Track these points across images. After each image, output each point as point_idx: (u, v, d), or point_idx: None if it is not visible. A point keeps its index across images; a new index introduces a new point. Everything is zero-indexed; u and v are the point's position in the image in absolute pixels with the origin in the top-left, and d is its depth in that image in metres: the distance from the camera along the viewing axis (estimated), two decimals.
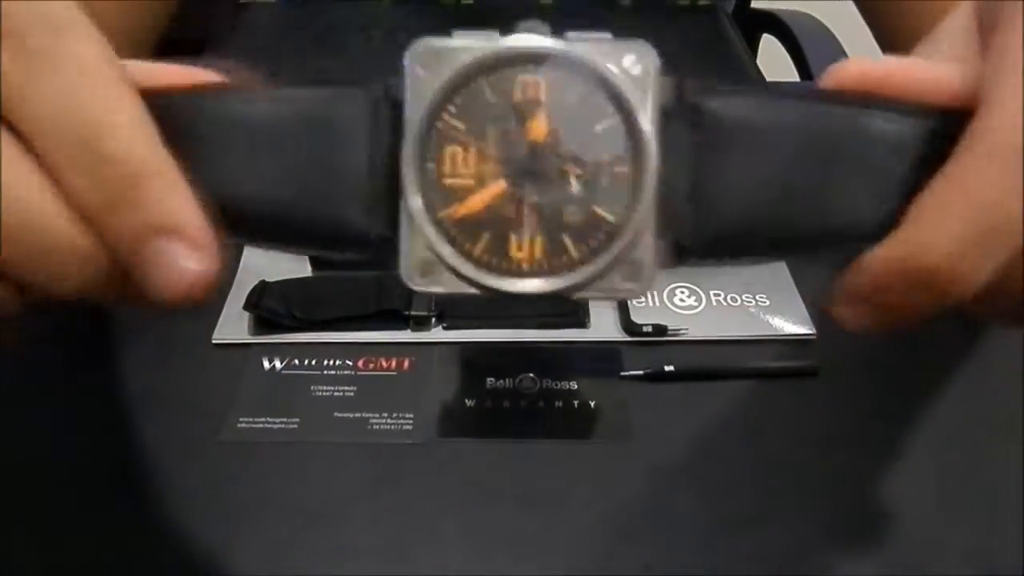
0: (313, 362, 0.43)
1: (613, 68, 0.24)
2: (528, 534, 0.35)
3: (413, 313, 0.44)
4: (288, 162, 0.25)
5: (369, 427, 0.39)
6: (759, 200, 0.24)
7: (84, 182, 0.21)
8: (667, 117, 0.24)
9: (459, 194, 0.24)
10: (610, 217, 0.24)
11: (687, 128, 0.24)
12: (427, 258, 0.24)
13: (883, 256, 0.23)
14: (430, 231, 0.24)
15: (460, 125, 0.24)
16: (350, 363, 0.43)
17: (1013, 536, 0.35)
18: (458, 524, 0.35)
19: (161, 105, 0.23)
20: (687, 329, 0.44)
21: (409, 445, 0.39)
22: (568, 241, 0.24)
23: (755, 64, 0.74)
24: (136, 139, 0.22)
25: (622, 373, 0.42)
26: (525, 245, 0.24)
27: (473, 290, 0.24)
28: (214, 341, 0.43)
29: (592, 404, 0.41)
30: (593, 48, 0.24)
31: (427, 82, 0.24)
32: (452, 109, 0.24)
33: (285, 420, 0.40)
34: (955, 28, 0.26)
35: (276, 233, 0.25)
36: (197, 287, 0.22)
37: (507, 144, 0.24)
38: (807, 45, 0.82)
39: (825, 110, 0.25)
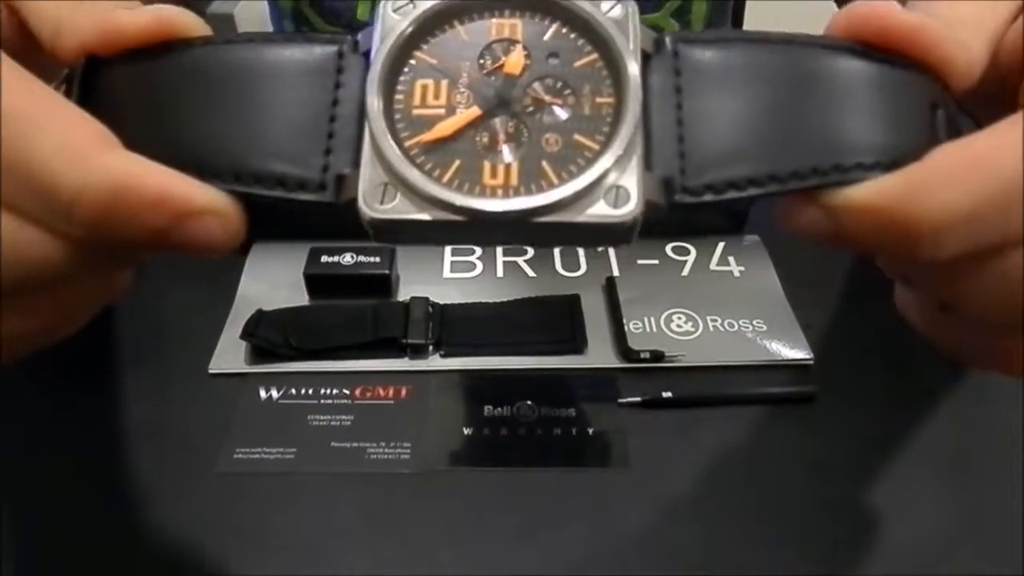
0: (310, 391, 0.43)
1: (592, 10, 0.24)
2: (526, 562, 0.35)
3: (410, 341, 0.44)
4: (253, 113, 0.24)
5: (366, 456, 0.39)
6: (745, 133, 0.23)
7: (70, 227, 0.21)
8: (647, 62, 0.24)
9: (429, 123, 0.23)
10: (592, 143, 0.23)
11: (668, 73, 0.24)
12: (389, 183, 0.22)
13: (869, 197, 0.22)
14: (393, 152, 0.22)
15: (432, 60, 0.24)
16: (347, 392, 0.43)
17: (1013, 562, 0.35)
18: (456, 553, 0.35)
19: (140, 70, 0.23)
20: (684, 355, 0.44)
21: (407, 474, 0.38)
22: (547, 166, 0.23)
23: None
24: (85, 161, 0.21)
25: (619, 400, 0.42)
26: (500, 171, 0.22)
27: (439, 213, 0.22)
28: (210, 371, 0.43)
29: (590, 431, 0.40)
30: None
31: (399, 22, 0.24)
32: (424, 47, 0.24)
33: (282, 450, 0.40)
34: None
35: (240, 178, 0.23)
36: (228, 238, 0.22)
37: (482, 77, 0.23)
38: None
39: (808, 51, 0.24)
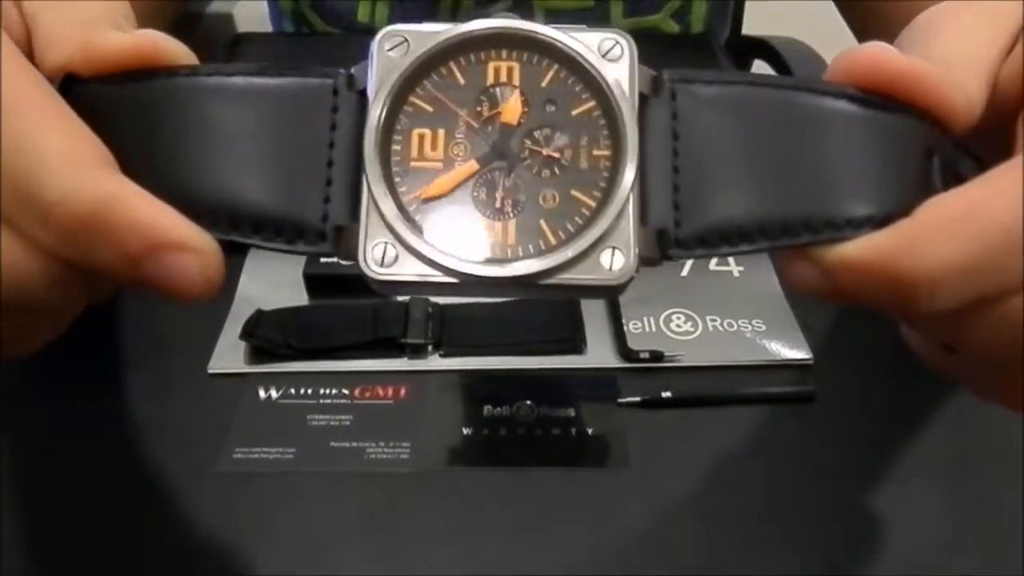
0: (309, 391, 0.43)
1: (589, 53, 0.23)
2: (526, 562, 0.35)
3: (410, 341, 0.44)
4: (247, 153, 0.23)
5: (366, 456, 0.39)
6: (739, 184, 0.23)
7: (45, 234, 0.20)
8: (644, 103, 0.23)
9: (426, 177, 0.23)
10: (589, 200, 0.22)
11: (666, 116, 0.23)
12: (389, 243, 0.22)
13: (861, 254, 0.22)
14: (391, 212, 0.22)
15: (428, 108, 0.23)
16: (346, 392, 0.43)
17: (1013, 563, 0.35)
18: (455, 553, 0.35)
19: (120, 94, 0.22)
20: (684, 355, 0.44)
21: (406, 474, 0.38)
22: (544, 225, 0.22)
23: None
24: (77, 173, 0.20)
25: (619, 400, 0.42)
26: (498, 231, 0.22)
27: (440, 276, 0.22)
28: (210, 371, 0.43)
29: (589, 431, 0.40)
30: (568, 32, 0.23)
31: (395, 63, 0.23)
32: (420, 92, 0.23)
33: (281, 450, 0.39)
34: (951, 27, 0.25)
35: (238, 226, 0.23)
36: (206, 283, 0.21)
37: (479, 127, 0.23)
38: (798, 71, 0.83)
39: (805, 98, 0.23)
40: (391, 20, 0.63)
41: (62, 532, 0.36)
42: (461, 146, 0.23)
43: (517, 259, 0.22)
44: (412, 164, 0.23)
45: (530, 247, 0.22)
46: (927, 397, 0.42)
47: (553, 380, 0.43)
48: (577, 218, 0.22)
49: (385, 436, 0.40)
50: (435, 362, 0.44)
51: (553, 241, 0.22)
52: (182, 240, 0.21)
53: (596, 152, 0.23)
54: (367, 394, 0.43)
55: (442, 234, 0.22)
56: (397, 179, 0.23)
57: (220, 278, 0.22)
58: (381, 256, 0.22)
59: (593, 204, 0.22)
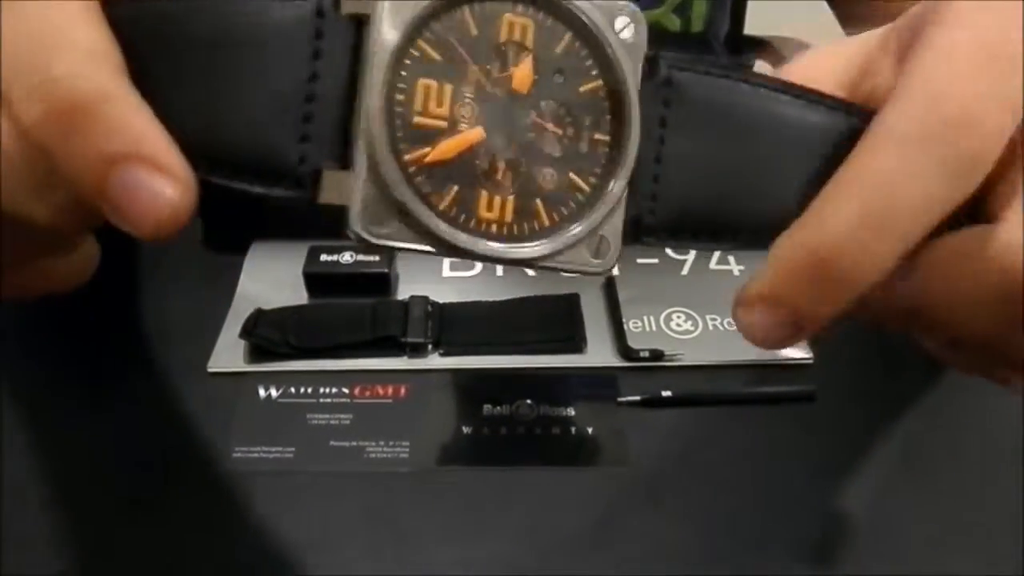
0: (309, 390, 0.43)
1: (605, 27, 0.22)
2: (525, 561, 0.35)
3: (409, 340, 0.44)
4: (225, 85, 0.21)
5: (365, 455, 0.39)
6: (714, 182, 0.23)
7: (33, 107, 0.20)
8: (646, 88, 0.23)
9: (429, 136, 0.21)
10: (585, 186, 0.22)
11: (657, 103, 0.23)
12: (383, 205, 0.21)
13: (786, 240, 0.22)
14: (394, 174, 0.21)
15: (437, 56, 0.21)
16: (346, 391, 0.42)
17: (1014, 562, 0.35)
18: (455, 552, 0.35)
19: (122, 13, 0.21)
20: (684, 354, 0.44)
21: (406, 473, 0.38)
22: (540, 206, 0.22)
23: None
24: (89, 62, 0.20)
25: (619, 399, 0.42)
26: (496, 205, 0.22)
27: (432, 247, 0.21)
28: (209, 370, 0.43)
29: (589, 430, 0.40)
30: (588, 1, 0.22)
31: (404, 3, 0.21)
32: (430, 36, 0.21)
33: (281, 449, 0.39)
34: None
35: (217, 167, 0.21)
36: (173, 215, 0.20)
37: (487, 88, 0.22)
38: None
39: (768, 95, 0.24)
40: None
41: (61, 531, 0.36)
42: (468, 107, 0.22)
43: (511, 239, 0.22)
44: (415, 120, 0.21)
45: (525, 227, 0.22)
46: (927, 397, 0.42)
47: (553, 379, 0.43)
48: (572, 202, 0.23)
49: (385, 435, 0.40)
50: (435, 361, 0.44)
51: (547, 223, 0.22)
52: (163, 160, 0.20)
53: (597, 136, 0.23)
54: (367, 393, 0.42)
55: (440, 202, 0.21)
56: (399, 134, 0.21)
57: (186, 216, 0.20)
58: (377, 219, 0.21)
59: (588, 190, 0.23)
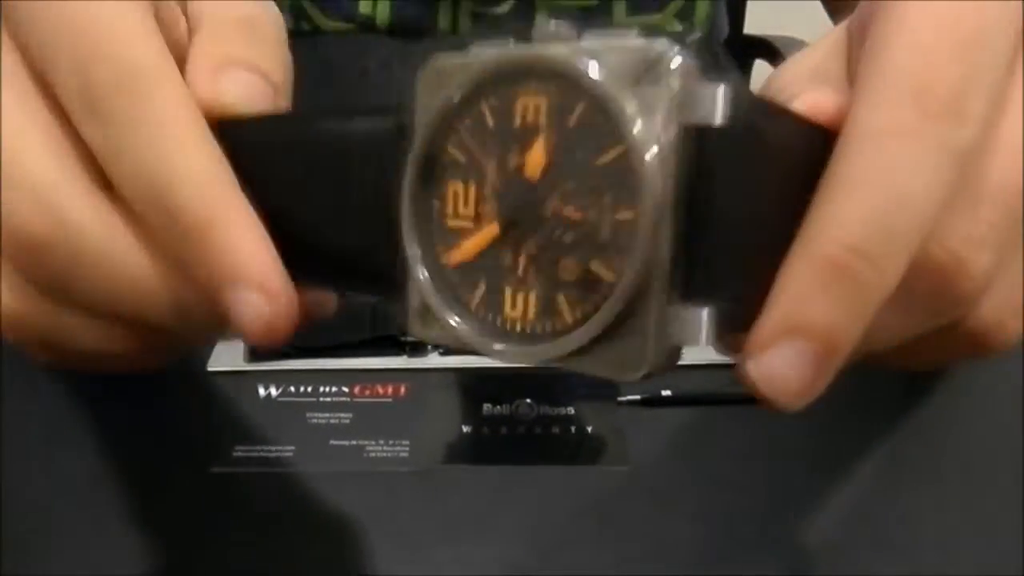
0: (308, 389, 0.43)
1: (619, 79, 0.19)
2: (525, 561, 0.35)
3: (409, 339, 0.44)
4: (326, 192, 0.23)
5: (365, 454, 0.39)
6: (769, 242, 0.20)
7: (164, 234, 0.22)
8: (708, 135, 0.18)
9: (460, 236, 0.21)
10: (609, 275, 0.19)
11: (736, 151, 0.19)
12: (423, 312, 0.22)
13: (794, 260, 0.20)
14: (423, 279, 0.22)
15: (461, 157, 0.21)
16: (346, 390, 0.42)
17: (1014, 562, 0.35)
18: (455, 551, 0.35)
19: (234, 133, 0.23)
20: (684, 353, 0.43)
21: (405, 472, 0.38)
22: (562, 301, 0.20)
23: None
24: (207, 189, 0.22)
25: (619, 398, 0.42)
26: (519, 302, 0.21)
27: (470, 348, 0.22)
28: (209, 369, 0.43)
29: (589, 429, 0.40)
30: (601, 54, 0.19)
31: (429, 106, 0.21)
32: (455, 138, 0.21)
33: (280, 448, 0.39)
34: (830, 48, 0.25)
35: (316, 270, 0.24)
36: (271, 331, 0.23)
37: (504, 180, 0.21)
38: None
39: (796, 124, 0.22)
40: (393, 15, 0.63)
41: (60, 530, 0.36)
42: (488, 204, 0.21)
43: (535, 339, 0.21)
44: (448, 223, 0.22)
45: (547, 325, 0.20)
46: (928, 396, 0.42)
47: (553, 378, 0.43)
48: (596, 296, 0.20)
49: (384, 434, 0.40)
50: (434, 360, 0.44)
51: (569, 320, 0.20)
52: (268, 283, 0.22)
53: (620, 216, 0.19)
54: (367, 392, 0.42)
55: (471, 302, 0.22)
56: (437, 237, 0.22)
57: (286, 330, 0.23)
58: (420, 317, 0.22)
59: (612, 280, 0.19)
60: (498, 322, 0.21)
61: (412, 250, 0.22)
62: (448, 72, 0.21)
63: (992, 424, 0.40)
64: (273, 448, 0.39)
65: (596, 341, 0.20)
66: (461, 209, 0.21)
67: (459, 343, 0.22)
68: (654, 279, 0.19)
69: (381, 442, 0.40)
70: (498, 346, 0.21)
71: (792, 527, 0.36)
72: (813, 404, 0.41)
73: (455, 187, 0.21)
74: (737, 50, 0.89)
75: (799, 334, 0.20)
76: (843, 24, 0.25)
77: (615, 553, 0.35)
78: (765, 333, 0.20)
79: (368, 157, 0.23)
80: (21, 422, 0.40)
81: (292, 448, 0.39)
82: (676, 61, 0.18)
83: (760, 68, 0.92)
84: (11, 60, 0.23)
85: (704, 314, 0.19)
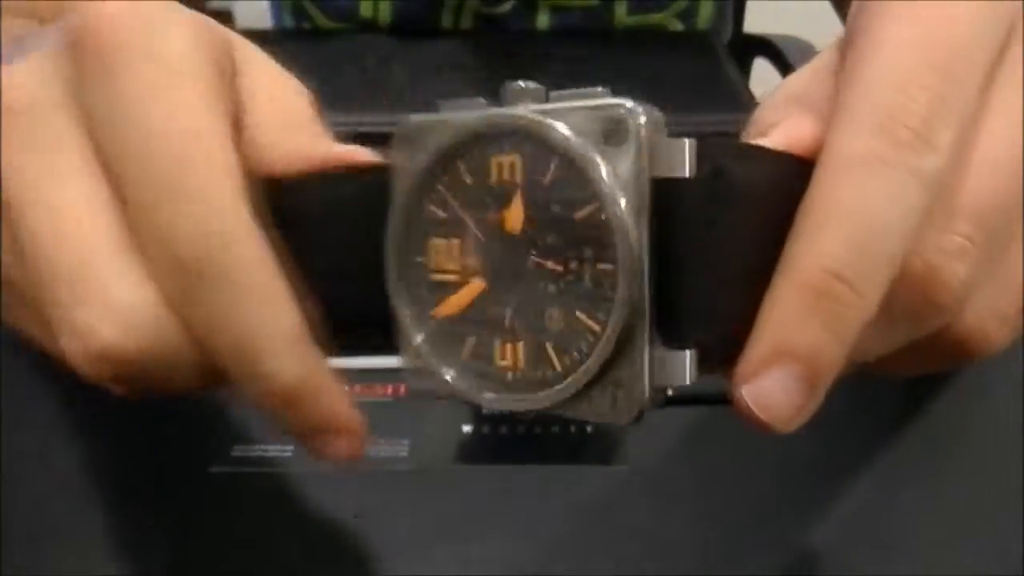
0: None
1: (578, 138, 0.20)
2: (526, 560, 0.35)
3: None
4: (332, 250, 0.24)
5: (365, 454, 0.39)
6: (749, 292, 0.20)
7: (253, 393, 0.23)
8: (673, 186, 0.19)
9: (447, 290, 0.22)
10: (593, 324, 0.20)
11: (702, 198, 0.20)
12: (418, 366, 0.23)
13: (778, 287, 0.20)
14: (413, 333, 0.22)
15: (441, 214, 0.22)
16: (345, 389, 0.42)
17: (1014, 562, 0.35)
18: (454, 551, 0.35)
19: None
20: None
21: (405, 472, 0.38)
22: (550, 350, 0.21)
23: (748, 88, 0.75)
24: (296, 358, 0.23)
25: None
26: (508, 353, 0.21)
27: (464, 399, 0.23)
28: None
29: (590, 428, 0.40)
30: (563, 112, 0.20)
31: (406, 167, 0.22)
32: (434, 196, 0.22)
33: (280, 447, 0.39)
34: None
35: (345, 340, 0.24)
36: (351, 458, 0.26)
37: (486, 235, 0.21)
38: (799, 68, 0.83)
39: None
40: (394, 16, 0.63)
41: (60, 529, 0.36)
42: (472, 258, 0.22)
43: (526, 389, 0.21)
44: (433, 277, 0.22)
45: (537, 374, 0.21)
46: (928, 397, 0.42)
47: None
48: (583, 344, 0.20)
49: (384, 433, 0.40)
50: None
51: (559, 368, 0.21)
52: (350, 429, 0.25)
53: (600, 266, 0.20)
54: (366, 391, 0.42)
55: (462, 353, 0.22)
56: (424, 292, 0.22)
57: (361, 453, 0.26)
58: (415, 370, 0.23)
59: (597, 329, 0.20)
60: (490, 372, 0.22)
61: (401, 308, 0.22)
62: (422, 132, 0.22)
63: (992, 424, 0.40)
64: (272, 448, 0.39)
65: (588, 387, 0.20)
66: (446, 264, 0.22)
67: (455, 395, 0.23)
68: (637, 327, 0.20)
69: (381, 441, 0.40)
70: (490, 395, 0.22)
71: (792, 527, 0.36)
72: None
73: (438, 243, 0.22)
74: (737, 49, 0.89)
75: (787, 358, 0.21)
76: (835, 43, 0.25)
77: (615, 553, 0.35)
78: (754, 360, 0.21)
79: (355, 219, 0.23)
80: (21, 422, 0.40)
81: (291, 448, 0.39)
82: (641, 119, 0.19)
83: (760, 67, 0.92)
84: (81, 158, 0.22)
85: (687, 356, 0.20)
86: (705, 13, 0.68)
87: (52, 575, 0.34)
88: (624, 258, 0.19)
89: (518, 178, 0.21)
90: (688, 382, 0.20)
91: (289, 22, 0.69)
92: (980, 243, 0.21)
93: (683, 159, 0.19)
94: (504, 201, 0.21)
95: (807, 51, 0.86)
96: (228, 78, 0.24)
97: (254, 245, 0.22)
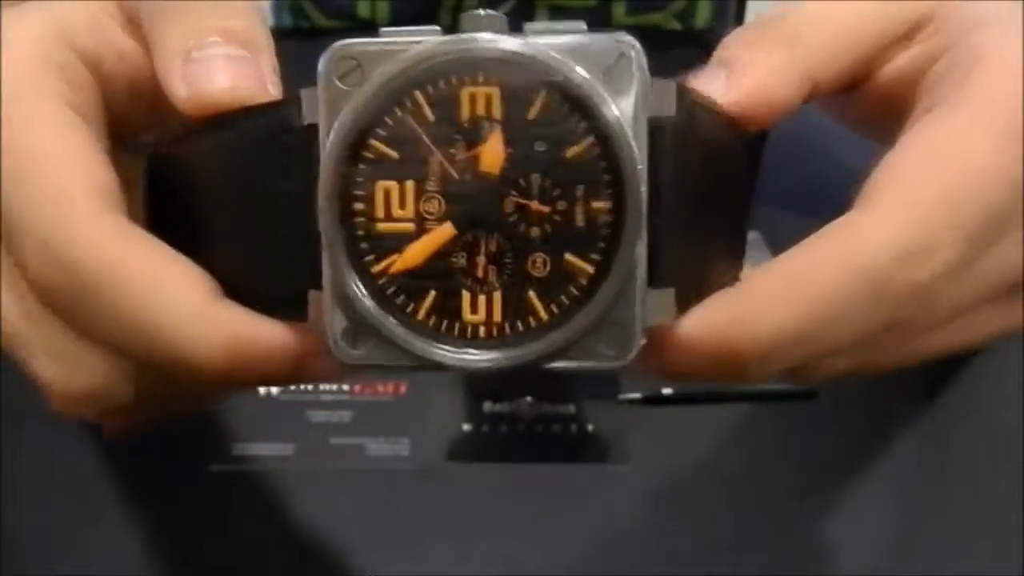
0: (308, 387, 0.42)
1: (582, 72, 0.19)
2: (526, 559, 0.35)
3: None
4: (222, 221, 0.21)
5: (365, 452, 0.39)
6: (715, 241, 0.21)
7: (188, 381, 0.22)
8: (659, 126, 0.19)
9: (396, 242, 0.19)
10: (586, 266, 0.19)
11: (682, 140, 0.20)
12: (357, 324, 0.19)
13: (694, 329, 0.20)
14: (355, 290, 0.19)
15: (392, 153, 0.19)
16: (346, 388, 0.42)
17: (1014, 562, 0.35)
18: (455, 550, 0.35)
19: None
20: None
21: (406, 470, 0.38)
22: (535, 298, 0.19)
23: None
24: (204, 333, 0.21)
25: (620, 396, 0.42)
26: (481, 305, 0.19)
27: (415, 364, 0.20)
28: None
29: (590, 428, 0.40)
30: (557, 46, 0.19)
31: (345, 96, 0.19)
32: (381, 132, 0.19)
33: (280, 446, 0.39)
34: None
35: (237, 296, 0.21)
36: (328, 377, 0.25)
37: (454, 177, 0.19)
38: None
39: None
40: (391, 15, 0.63)
41: (60, 530, 0.36)
42: (434, 201, 0.19)
43: (505, 343, 0.19)
44: (379, 227, 0.19)
45: (519, 325, 0.19)
46: (927, 395, 0.42)
47: (553, 376, 0.43)
48: (573, 288, 0.19)
49: (385, 432, 0.40)
50: None
51: (545, 317, 0.19)
52: (300, 359, 0.22)
53: (595, 204, 0.19)
54: (367, 390, 0.42)
55: (418, 311, 0.19)
56: (364, 245, 0.19)
57: (333, 369, 0.22)
58: (352, 340, 0.20)
59: (591, 271, 0.19)
60: (455, 330, 0.19)
61: (337, 261, 0.19)
62: (367, 60, 0.19)
63: (992, 424, 0.40)
64: (272, 446, 0.39)
65: (571, 341, 0.19)
66: (397, 211, 0.19)
67: (408, 361, 0.19)
68: (636, 265, 0.19)
69: (381, 440, 0.40)
70: (458, 355, 0.19)
71: (792, 526, 0.36)
72: (814, 404, 0.41)
73: (386, 187, 0.19)
74: None
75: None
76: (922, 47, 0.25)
77: (614, 552, 0.35)
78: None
79: (260, 164, 0.20)
80: (21, 421, 0.40)
81: (292, 446, 0.39)
82: (641, 55, 0.19)
83: None
84: None
85: (671, 294, 0.20)
86: (703, 14, 0.68)
87: (52, 575, 0.34)
88: (633, 194, 0.19)
89: (496, 113, 0.19)
90: (671, 321, 0.20)
91: (288, 21, 0.70)
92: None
93: (671, 100, 0.19)
94: (477, 138, 0.19)
95: None
96: (80, 74, 0.23)
97: (110, 244, 0.20)
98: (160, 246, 0.21)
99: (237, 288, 0.21)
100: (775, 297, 0.20)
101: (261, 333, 0.20)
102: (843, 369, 0.23)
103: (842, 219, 0.21)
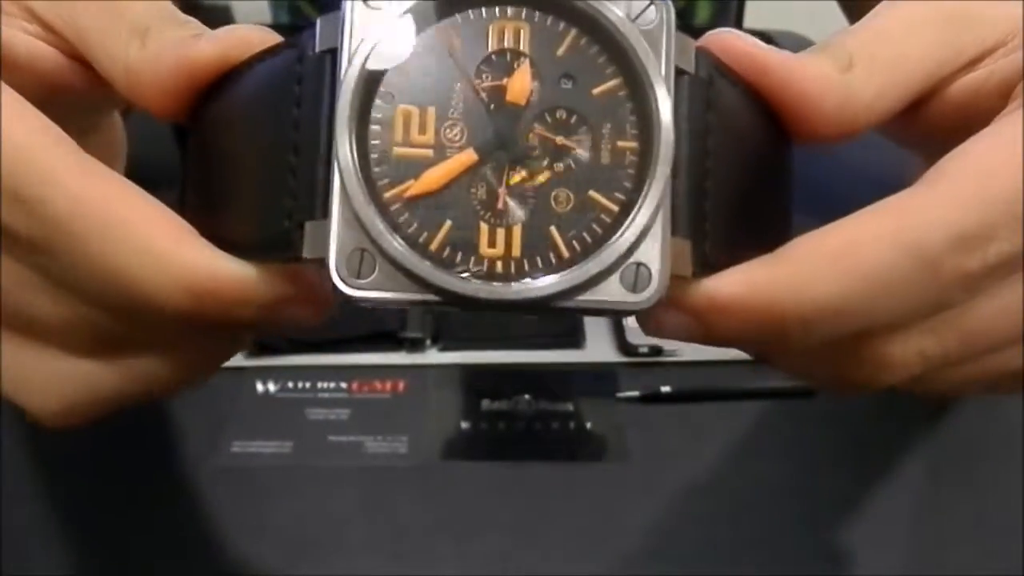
0: (307, 385, 0.42)
1: (618, 15, 0.19)
2: (524, 557, 0.35)
3: (408, 335, 0.44)
4: (236, 172, 0.21)
5: (363, 450, 0.39)
6: (744, 200, 0.20)
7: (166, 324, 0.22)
8: (679, 80, 0.19)
9: (413, 168, 0.19)
10: (610, 204, 0.19)
11: (701, 104, 0.20)
12: (364, 251, 0.18)
13: (737, 291, 0.20)
14: (368, 212, 0.18)
15: (416, 79, 0.19)
16: (344, 386, 0.42)
17: (1013, 561, 0.35)
18: (453, 548, 0.35)
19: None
20: (683, 349, 0.44)
21: (404, 468, 0.38)
22: (556, 234, 0.19)
23: None
24: (165, 273, 0.20)
25: (618, 394, 0.42)
26: (500, 238, 0.19)
27: (426, 296, 0.18)
28: None
29: (588, 426, 0.40)
30: None
31: (373, 18, 0.19)
32: (406, 58, 0.19)
33: (279, 444, 0.39)
34: None
35: (224, 242, 0.20)
36: (320, 315, 0.22)
37: (478, 105, 0.19)
38: None
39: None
40: None
41: (59, 526, 0.36)
42: (457, 129, 0.19)
43: (523, 276, 0.19)
44: (396, 151, 0.19)
45: (538, 260, 0.19)
46: (928, 397, 0.42)
47: (552, 374, 0.43)
48: (596, 226, 0.19)
49: (383, 430, 0.40)
50: (433, 356, 0.44)
51: (566, 254, 0.19)
52: (281, 296, 0.21)
53: (621, 143, 0.19)
54: (365, 388, 0.42)
55: (432, 240, 0.19)
56: (377, 169, 0.19)
57: (326, 303, 0.21)
58: (357, 266, 0.18)
59: (615, 209, 0.19)
60: (470, 263, 0.19)
61: (350, 176, 0.18)
62: None
63: (992, 424, 0.40)
64: (271, 443, 0.39)
65: (602, 272, 0.19)
66: (416, 135, 0.19)
67: (417, 294, 0.18)
68: (662, 207, 0.19)
69: (379, 438, 0.40)
70: (476, 284, 0.18)
71: (792, 525, 0.36)
72: (813, 404, 0.41)
73: (407, 111, 0.19)
74: None
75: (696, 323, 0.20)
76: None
77: (613, 550, 0.35)
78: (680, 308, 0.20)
79: (274, 97, 0.20)
80: (20, 420, 0.40)
81: (291, 443, 0.39)
82: (671, 6, 0.19)
83: None
84: None
85: (689, 247, 0.19)
86: (703, 13, 0.68)
87: (52, 571, 0.34)
88: (665, 134, 0.19)
89: (525, 47, 0.19)
90: (690, 273, 0.19)
91: (284, 20, 0.70)
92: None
93: (690, 56, 0.19)
94: (505, 70, 0.19)
95: (805, 47, 0.86)
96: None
97: (75, 180, 0.20)
98: (127, 185, 0.20)
99: (244, 235, 0.20)
100: (824, 265, 0.20)
101: (225, 273, 0.20)
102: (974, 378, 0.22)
103: (897, 195, 0.20)
